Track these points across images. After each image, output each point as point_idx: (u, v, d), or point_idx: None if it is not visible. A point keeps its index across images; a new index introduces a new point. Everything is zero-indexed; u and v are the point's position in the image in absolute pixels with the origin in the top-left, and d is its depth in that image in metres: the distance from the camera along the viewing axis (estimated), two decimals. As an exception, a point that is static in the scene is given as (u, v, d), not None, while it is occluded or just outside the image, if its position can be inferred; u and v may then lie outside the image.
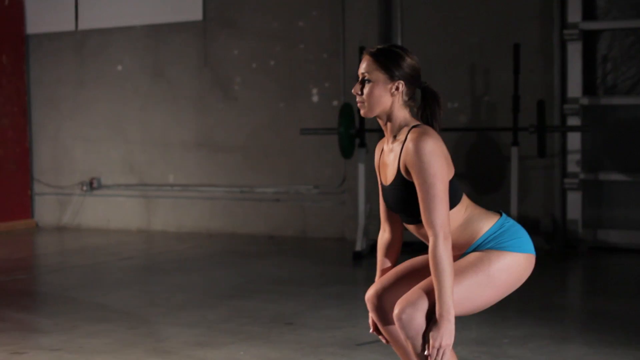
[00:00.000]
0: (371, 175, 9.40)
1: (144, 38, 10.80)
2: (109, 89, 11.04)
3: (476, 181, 9.08)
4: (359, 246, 8.43)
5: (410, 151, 3.18)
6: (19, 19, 11.37)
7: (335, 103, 9.64)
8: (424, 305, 3.20)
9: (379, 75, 3.30)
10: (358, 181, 8.74)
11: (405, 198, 3.29)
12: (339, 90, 9.65)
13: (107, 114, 11.07)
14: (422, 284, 3.28)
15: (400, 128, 3.33)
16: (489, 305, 3.33)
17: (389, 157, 3.37)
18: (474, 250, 3.32)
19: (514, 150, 8.31)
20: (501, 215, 3.37)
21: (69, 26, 11.25)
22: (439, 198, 3.17)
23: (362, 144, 8.59)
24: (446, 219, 3.17)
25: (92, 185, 11.18)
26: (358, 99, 3.35)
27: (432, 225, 3.16)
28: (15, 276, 7.76)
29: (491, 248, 3.29)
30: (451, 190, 3.26)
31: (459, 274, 3.23)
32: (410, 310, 3.21)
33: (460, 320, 5.66)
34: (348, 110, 8.49)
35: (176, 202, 10.73)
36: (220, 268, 8.24)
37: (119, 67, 10.98)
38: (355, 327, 5.60)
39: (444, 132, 8.75)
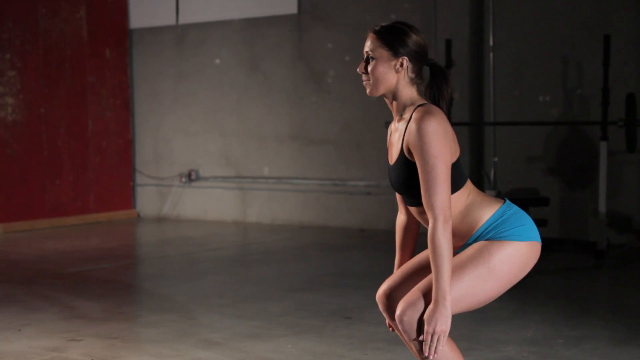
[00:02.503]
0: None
1: (240, 32, 10.91)
2: (207, 82, 11.20)
3: (567, 177, 8.84)
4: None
5: (413, 131, 3.10)
6: (122, 14, 11.64)
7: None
8: (425, 306, 3.13)
9: (383, 52, 3.23)
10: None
11: (406, 179, 3.21)
12: (430, 83, 9.53)
13: (205, 106, 11.23)
14: (422, 283, 3.20)
15: (405, 107, 3.25)
16: (493, 299, 3.21)
17: (394, 137, 3.30)
18: (476, 240, 3.20)
19: (603, 145, 8.05)
20: (504, 202, 3.25)
21: (170, 20, 11.46)
22: (440, 180, 3.07)
23: (447, 138, 8.45)
24: (447, 202, 3.07)
25: (191, 177, 11.37)
26: (363, 77, 3.28)
27: (432, 208, 3.07)
28: (101, 265, 7.95)
29: (491, 238, 3.17)
30: (455, 174, 3.16)
31: (458, 269, 3.12)
32: (411, 311, 3.14)
33: (520, 319, 5.56)
34: (432, 104, 8.38)
35: (270, 195, 10.81)
36: (300, 261, 8.26)
37: (217, 61, 11.12)
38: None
39: (536, 127, 8.61)
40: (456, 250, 3.28)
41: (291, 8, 10.38)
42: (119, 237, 10.16)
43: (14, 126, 10.45)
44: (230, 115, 11.04)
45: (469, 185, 3.25)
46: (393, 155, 3.28)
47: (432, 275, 3.12)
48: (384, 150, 8.09)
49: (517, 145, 9.07)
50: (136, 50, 11.76)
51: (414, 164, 3.16)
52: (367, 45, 3.28)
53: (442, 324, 3.05)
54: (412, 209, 3.31)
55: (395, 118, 3.30)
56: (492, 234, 3.17)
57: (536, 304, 6.11)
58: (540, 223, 7.65)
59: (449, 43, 8.56)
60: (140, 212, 11.87)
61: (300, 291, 6.62)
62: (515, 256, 3.18)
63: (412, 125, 3.11)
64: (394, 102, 3.27)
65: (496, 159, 9.09)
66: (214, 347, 4.98)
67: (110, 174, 11.53)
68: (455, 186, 3.18)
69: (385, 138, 3.46)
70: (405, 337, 3.18)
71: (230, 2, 10.94)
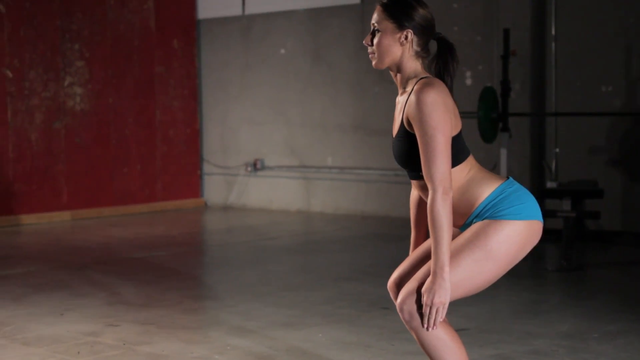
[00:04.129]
0: (516, 160, 9.15)
1: (305, 21, 10.94)
2: (273, 72, 11.26)
3: (629, 168, 8.66)
4: (497, 233, 8.21)
5: (412, 103, 3.09)
6: (190, 4, 11.77)
7: (488, 85, 9.42)
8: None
9: (388, 25, 3.23)
10: (500, 166, 8.53)
11: (406, 151, 3.19)
12: (492, 72, 9.43)
13: (270, 96, 11.30)
14: (421, 271, 3.18)
15: (409, 79, 3.23)
16: (493, 281, 3.16)
17: (397, 110, 3.29)
18: (475, 218, 3.15)
19: (664, 136, 7.87)
20: (507, 179, 3.19)
21: (237, 11, 11.55)
22: (438, 151, 3.05)
23: (505, 128, 8.37)
24: (446, 173, 3.04)
25: (256, 166, 11.45)
26: (369, 50, 3.29)
27: (431, 179, 3.05)
28: (158, 252, 8.07)
29: (489, 217, 3.11)
30: (456, 147, 3.14)
31: (456, 253, 3.08)
32: (410, 300, 3.13)
33: (559, 312, 5.47)
34: (489, 94, 8.29)
35: (333, 184, 10.83)
36: (355, 250, 8.26)
37: (282, 51, 11.17)
38: (449, 314, 5.45)
39: (598, 118, 8.44)
40: (458, 229, 3.25)
41: (355, -2, 10.40)
42: (183, 225, 10.29)
43: (82, 116, 10.66)
44: (294, 105, 11.08)
45: (470, 161, 3.21)
46: (395, 128, 3.28)
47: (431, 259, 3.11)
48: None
49: (579, 137, 8.91)
50: (204, 41, 11.89)
51: (414, 136, 3.14)
52: (374, 18, 3.28)
53: (441, 295, 3.03)
54: (414, 183, 3.29)
55: (400, 91, 3.29)
56: (490, 213, 3.13)
57: (580, 298, 6.02)
58: (593, 215, 7.52)
59: (506, 33, 8.45)
60: (207, 201, 12.00)
61: (345, 281, 6.63)
62: (513, 237, 3.12)
63: (412, 97, 3.11)
64: (399, 75, 3.27)
65: (557, 150, 8.95)
66: (245, 334, 5.02)
67: (177, 163, 11.68)
68: (456, 160, 3.16)
69: None
70: (407, 326, 3.17)
71: (295, -8, 10.99)
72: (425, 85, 3.10)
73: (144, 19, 11.27)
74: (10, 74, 10.01)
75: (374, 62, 3.29)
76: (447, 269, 3.03)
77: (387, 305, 5.71)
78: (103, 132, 10.87)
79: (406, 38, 3.22)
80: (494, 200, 3.14)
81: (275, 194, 11.36)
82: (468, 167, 3.20)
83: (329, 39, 10.75)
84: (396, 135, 3.24)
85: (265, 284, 6.57)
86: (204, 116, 11.96)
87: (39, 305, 5.84)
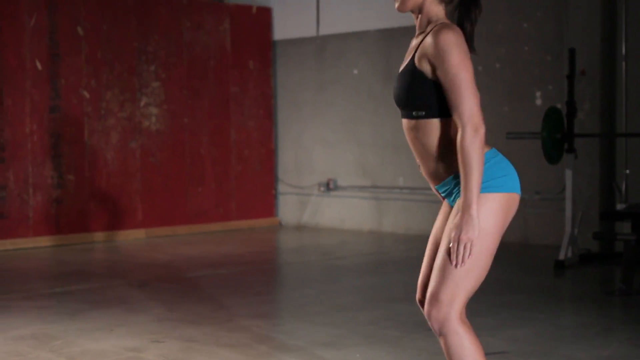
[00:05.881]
0: (585, 181, 8.99)
1: (377, 42, 10.98)
2: (346, 92, 11.31)
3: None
4: (562, 255, 8.11)
5: (430, 43, 3.11)
6: (266, 26, 11.92)
7: (558, 106, 9.31)
8: (448, 295, 3.14)
9: None
10: (565, 187, 8.40)
11: (407, 84, 3.18)
12: (562, 92, 9.31)
13: (343, 116, 11.35)
14: (437, 268, 3.18)
15: (429, 22, 3.26)
16: (494, 252, 3.17)
17: (409, 48, 3.30)
18: (455, 184, 3.18)
19: None
20: (490, 149, 3.19)
21: (311, 32, 11.65)
22: (464, 87, 3.07)
23: (570, 149, 8.25)
24: (475, 109, 3.06)
25: (329, 186, 11.51)
26: None
27: (460, 116, 3.06)
28: (221, 270, 8.18)
29: None
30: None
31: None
32: (436, 307, 3.16)
33: (605, 337, 5.37)
34: (554, 114, 8.19)
35: (405, 205, 10.81)
36: (415, 271, 8.20)
37: (355, 71, 11.22)
38: (494, 336, 5.43)
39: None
40: (438, 185, 3.27)
41: (426, 18, 10.36)
42: (253, 244, 10.39)
43: (157, 135, 10.88)
44: (366, 125, 11.11)
45: None
46: (401, 66, 3.29)
47: (443, 254, 3.14)
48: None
49: (650, 157, 8.74)
50: (279, 62, 12.01)
51: (420, 72, 3.15)
52: None
53: (468, 231, 3.06)
54: (404, 122, 3.28)
55: (417, 32, 3.31)
56: None
57: (630, 322, 5.89)
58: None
59: (572, 52, 8.34)
60: (281, 220, 12.10)
61: (397, 301, 6.62)
62: (496, 208, 3.14)
63: (430, 37, 3.13)
64: (420, 16, 3.29)
65: (628, 171, 8.79)
66: (285, 353, 5.06)
67: (252, 182, 11.81)
68: (446, 113, 3.16)
69: None
70: (436, 332, 3.20)
71: (368, 13, 11.03)
72: (443, 27, 3.14)
73: (220, 40, 11.46)
74: (87, 95, 10.28)
75: (397, 5, 3.31)
76: (474, 206, 3.05)
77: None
78: (178, 151, 11.07)
79: None
80: None
81: (347, 214, 11.40)
82: (454, 126, 3.19)
83: (401, 60, 10.73)
84: (401, 71, 3.25)
85: (318, 303, 6.60)
86: (279, 136, 12.07)
87: (92, 321, 5.98)
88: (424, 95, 3.17)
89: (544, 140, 8.09)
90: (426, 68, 3.14)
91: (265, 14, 11.92)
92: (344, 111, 11.36)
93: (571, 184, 8.29)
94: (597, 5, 8.99)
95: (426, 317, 3.20)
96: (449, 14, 3.27)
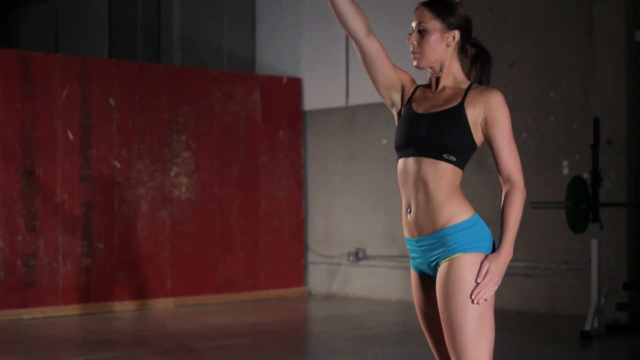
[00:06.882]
0: (612, 250, 8.92)
1: (406, 112, 11.03)
2: (374, 162, 11.37)
3: None
4: (588, 325, 8.03)
5: (494, 100, 3.24)
6: (296, 96, 12.05)
7: (585, 175, 9.29)
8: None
9: (436, 24, 3.34)
10: (591, 257, 8.34)
11: (450, 125, 3.26)
12: (589, 161, 9.28)
13: (371, 186, 11.39)
14: (452, 340, 3.24)
15: (454, 78, 3.37)
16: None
17: (435, 96, 3.37)
18: (446, 235, 3.24)
19: None
20: (475, 212, 3.31)
21: (340, 102, 11.76)
22: (515, 148, 3.30)
23: (596, 219, 8.20)
24: (521, 169, 3.31)
25: (358, 255, 11.51)
26: (412, 49, 3.37)
27: (518, 172, 3.29)
28: (244, 340, 8.17)
29: (460, 249, 3.22)
30: (470, 157, 3.33)
31: (461, 313, 3.21)
32: None
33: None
34: (578, 183, 8.18)
35: (433, 274, 10.75)
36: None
37: (384, 141, 11.28)
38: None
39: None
40: (423, 236, 3.30)
41: (453, 88, 10.43)
42: (281, 313, 10.39)
43: (187, 205, 10.97)
44: (395, 195, 11.13)
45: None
46: (434, 107, 3.33)
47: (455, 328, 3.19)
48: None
49: (678, 227, 8.67)
50: (310, 132, 12.12)
51: (466, 120, 3.26)
52: (418, 17, 3.37)
53: (501, 271, 3.22)
54: (414, 161, 3.31)
55: (436, 86, 3.39)
56: (463, 244, 3.23)
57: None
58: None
59: (596, 121, 8.35)
60: (311, 290, 12.09)
61: (417, 372, 6.58)
62: (478, 263, 3.23)
63: (492, 94, 3.26)
64: (441, 73, 3.37)
65: (656, 241, 8.72)
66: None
67: (282, 252, 11.84)
68: (465, 166, 3.32)
69: None
70: None
71: (396, 84, 11.11)
72: (493, 88, 3.30)
73: (251, 111, 11.59)
74: (118, 164, 10.42)
75: (416, 62, 3.38)
76: (511, 255, 3.25)
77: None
78: (208, 220, 11.15)
79: (454, 38, 3.34)
80: (468, 228, 3.25)
81: (376, 284, 11.37)
82: (460, 178, 3.34)
83: (429, 129, 10.79)
84: (439, 113, 3.30)
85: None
86: (309, 205, 12.13)
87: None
88: (461, 141, 3.27)
89: (568, 209, 8.07)
90: (473, 117, 3.26)
91: (295, 84, 12.07)
92: (372, 181, 11.40)
93: (597, 254, 8.24)
94: (623, 74, 9.01)
95: None
96: (462, 69, 3.38)
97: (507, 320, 9.33)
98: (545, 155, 9.72)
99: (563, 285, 9.54)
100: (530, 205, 8.69)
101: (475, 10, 10.24)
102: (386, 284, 11.27)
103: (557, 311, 9.56)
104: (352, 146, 11.68)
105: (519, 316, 9.60)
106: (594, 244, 8.24)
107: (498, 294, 10.18)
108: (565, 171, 9.53)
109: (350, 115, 11.71)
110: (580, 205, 8.11)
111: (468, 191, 10.41)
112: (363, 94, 11.52)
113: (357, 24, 3.33)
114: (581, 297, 9.34)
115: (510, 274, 9.71)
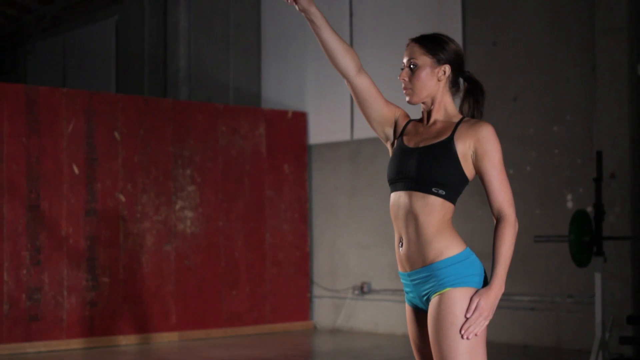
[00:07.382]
0: (617, 284, 8.89)
1: (410, 146, 11.05)
2: (378, 196, 11.37)
3: None
4: (592, 360, 7.98)
5: (484, 133, 3.26)
6: (301, 130, 12.09)
7: (589, 209, 9.28)
8: None
9: (426, 60, 3.37)
10: (595, 291, 8.31)
11: (439, 159, 3.27)
12: (593, 195, 9.27)
13: (375, 220, 11.39)
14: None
15: (446, 112, 3.39)
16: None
17: (426, 129, 3.39)
18: (437, 268, 3.23)
19: None
20: (467, 246, 3.31)
21: (345, 136, 11.79)
22: (507, 181, 3.30)
23: (599, 252, 8.18)
24: (513, 202, 3.31)
25: (363, 289, 11.49)
26: (404, 85, 3.41)
27: (509, 204, 3.28)
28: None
29: (454, 285, 3.21)
30: (461, 191, 3.35)
31: (451, 345, 3.19)
32: None
33: None
34: (581, 217, 8.15)
35: (438, 308, 10.72)
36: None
37: (388, 175, 11.28)
38: None
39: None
40: (415, 270, 3.29)
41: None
42: (285, 347, 10.36)
43: (192, 238, 10.99)
44: (399, 229, 11.12)
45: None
46: (423, 141, 3.35)
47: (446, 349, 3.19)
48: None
49: (683, 261, 8.64)
50: (315, 166, 12.15)
51: (456, 153, 3.27)
52: (409, 54, 3.40)
53: (493, 311, 3.21)
54: (404, 195, 3.32)
55: (428, 120, 3.42)
56: (453, 278, 3.22)
57: None
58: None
59: (599, 155, 8.34)
60: (316, 324, 12.06)
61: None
62: (468, 297, 3.22)
63: (482, 127, 3.29)
64: (432, 107, 3.40)
65: (660, 274, 8.69)
66: None
67: (287, 286, 11.82)
68: (456, 200, 3.32)
69: None
70: None
71: (401, 118, 11.15)
72: (484, 122, 3.32)
73: (256, 145, 11.63)
74: (123, 198, 10.45)
75: (408, 98, 3.42)
76: (503, 289, 3.22)
77: None
78: (213, 254, 11.15)
79: (444, 73, 3.37)
80: (458, 262, 3.24)
81: (381, 317, 11.34)
82: (452, 213, 3.33)
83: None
84: (429, 147, 3.32)
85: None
86: (314, 239, 12.13)
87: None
88: (451, 174, 3.28)
89: (571, 243, 8.04)
90: (463, 151, 3.27)
91: (300, 118, 12.11)
92: (377, 215, 11.40)
93: (600, 288, 8.20)
94: (626, 107, 9.02)
95: None
96: (454, 103, 3.41)
97: (512, 355, 9.30)
98: (549, 189, 9.72)
99: (568, 319, 9.50)
100: (534, 239, 8.67)
101: (479, 45, 10.29)
102: (391, 318, 11.23)
103: (563, 345, 9.52)
104: (357, 180, 11.69)
105: (524, 350, 9.56)
106: (598, 277, 8.20)
107: (503, 327, 10.24)
108: (570, 205, 9.53)
109: (355, 149, 11.74)
110: (583, 238, 8.09)
111: (472, 225, 10.47)
112: (368, 128, 11.45)
113: (347, 63, 3.36)
114: (586, 330, 9.30)
115: (515, 307, 9.72)
